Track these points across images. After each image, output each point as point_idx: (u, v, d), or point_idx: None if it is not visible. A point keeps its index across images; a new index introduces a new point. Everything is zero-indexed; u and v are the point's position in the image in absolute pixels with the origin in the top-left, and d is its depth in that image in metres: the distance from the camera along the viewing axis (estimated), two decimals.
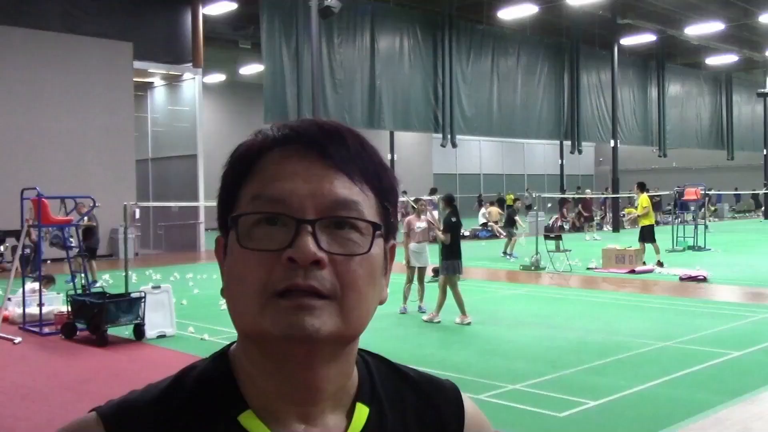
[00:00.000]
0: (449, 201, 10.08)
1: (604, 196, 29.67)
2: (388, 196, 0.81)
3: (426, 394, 0.88)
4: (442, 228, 9.94)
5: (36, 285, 10.15)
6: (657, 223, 17.23)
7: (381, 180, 0.80)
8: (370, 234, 0.76)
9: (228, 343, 0.84)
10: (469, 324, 9.48)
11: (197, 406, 0.77)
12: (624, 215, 28.90)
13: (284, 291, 0.72)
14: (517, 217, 19.35)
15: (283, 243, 0.73)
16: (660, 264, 15.48)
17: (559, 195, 31.97)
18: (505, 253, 18.41)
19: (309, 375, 0.76)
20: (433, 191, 25.89)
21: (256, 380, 0.78)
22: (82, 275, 10.91)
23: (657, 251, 15.78)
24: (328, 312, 0.73)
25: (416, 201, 11.18)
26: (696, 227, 20.09)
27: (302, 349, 0.73)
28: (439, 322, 9.62)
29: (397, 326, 9.58)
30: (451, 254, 9.68)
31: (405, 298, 10.52)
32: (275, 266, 0.73)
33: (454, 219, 9.80)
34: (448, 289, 9.64)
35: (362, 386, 0.83)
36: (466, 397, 0.92)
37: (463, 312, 9.57)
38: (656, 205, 30.02)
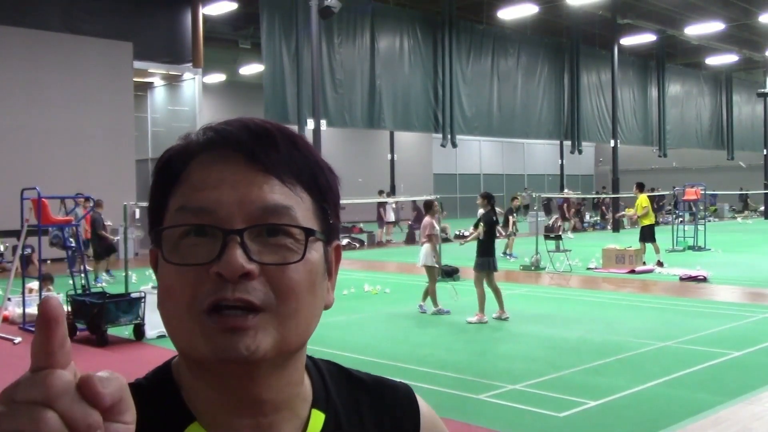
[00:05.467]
0: (489, 198, 10.15)
1: (579, 195, 29.97)
2: (326, 195, 0.76)
3: (380, 397, 0.87)
4: (482, 226, 9.98)
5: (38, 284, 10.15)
6: (657, 223, 17.24)
7: (317, 180, 0.76)
8: (303, 240, 0.71)
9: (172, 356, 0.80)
10: (506, 319, 9.68)
11: (140, 421, 0.71)
12: (624, 214, 28.92)
13: (212, 306, 0.68)
14: (511, 217, 19.30)
15: (210, 255, 0.69)
16: (660, 264, 15.48)
17: (554, 195, 31.98)
18: (504, 253, 18.42)
19: (251, 389, 0.72)
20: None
21: (200, 392, 0.74)
22: (82, 275, 10.91)
23: (657, 251, 15.80)
24: (263, 328, 0.69)
25: (431, 203, 11.00)
26: (696, 227, 20.09)
27: (240, 369, 0.70)
28: (486, 321, 9.62)
29: (396, 327, 9.58)
30: (489, 251, 9.79)
31: (435, 300, 10.39)
32: (203, 280, 0.69)
33: (495, 217, 10.03)
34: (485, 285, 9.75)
35: (317, 393, 0.80)
36: (420, 398, 0.90)
37: (501, 307, 9.76)
38: (659, 206, 30.24)
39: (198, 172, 0.73)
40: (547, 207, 30.35)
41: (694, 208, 22.15)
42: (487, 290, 9.77)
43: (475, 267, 9.84)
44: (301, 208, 0.72)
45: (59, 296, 10.34)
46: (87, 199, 12.42)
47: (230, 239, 0.68)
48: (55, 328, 0.52)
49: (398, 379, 0.91)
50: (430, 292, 10.32)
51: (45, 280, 10.64)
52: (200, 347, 0.69)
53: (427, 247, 10.27)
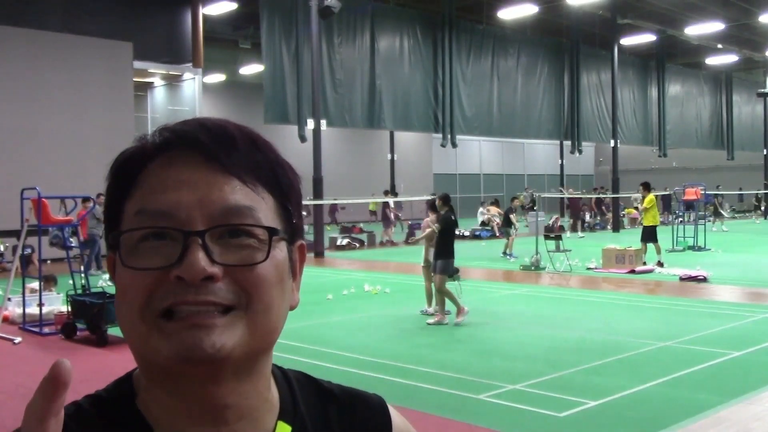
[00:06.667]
0: (447, 200, 10.06)
1: (588, 196, 30.14)
2: (288, 195, 0.74)
3: (351, 410, 0.84)
4: (436, 226, 9.89)
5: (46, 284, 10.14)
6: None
7: (278, 179, 0.73)
8: (267, 240, 0.69)
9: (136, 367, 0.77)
10: (446, 324, 9.40)
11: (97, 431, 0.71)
12: (624, 215, 28.94)
13: (170, 309, 0.66)
14: (512, 216, 19.31)
15: (170, 259, 0.66)
16: (660, 264, 15.51)
17: (556, 195, 32.01)
18: (504, 253, 18.43)
19: (215, 394, 0.69)
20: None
21: (159, 401, 0.71)
22: (82, 275, 10.90)
23: (658, 251, 15.82)
24: (230, 326, 0.66)
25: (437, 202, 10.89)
26: (696, 227, 20.10)
27: (203, 370, 0.67)
28: (447, 323, 9.53)
29: (395, 327, 9.58)
30: (450, 254, 9.64)
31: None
32: (162, 284, 0.66)
33: (453, 217, 9.81)
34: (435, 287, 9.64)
35: (284, 404, 0.77)
36: (393, 410, 0.88)
37: (441, 311, 9.51)
38: (667, 205, 30.33)
39: (156, 174, 0.71)
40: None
41: (707, 207, 22.15)
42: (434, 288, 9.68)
43: (436, 270, 9.56)
44: (263, 208, 0.70)
45: (59, 296, 10.35)
46: (86, 199, 12.44)
47: (191, 241, 0.66)
48: (61, 394, 0.53)
49: (372, 392, 0.88)
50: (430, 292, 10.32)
51: (48, 280, 10.65)
52: (161, 348, 0.66)
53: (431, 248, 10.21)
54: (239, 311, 0.67)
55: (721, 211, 28.74)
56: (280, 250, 0.71)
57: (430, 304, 10.26)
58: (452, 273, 9.66)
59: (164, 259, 0.66)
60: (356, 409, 0.84)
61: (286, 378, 0.81)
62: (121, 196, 0.72)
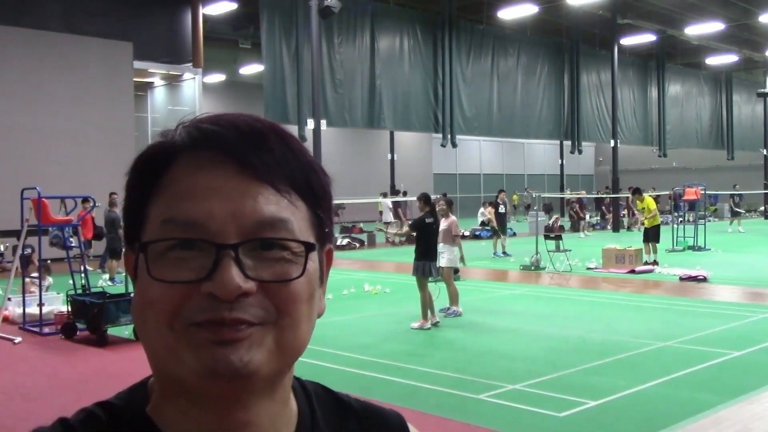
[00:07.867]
0: (427, 200, 9.87)
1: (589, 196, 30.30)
2: (320, 202, 0.71)
3: (369, 426, 0.82)
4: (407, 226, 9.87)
5: (41, 282, 10.15)
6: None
7: (311, 185, 0.70)
8: (302, 254, 0.67)
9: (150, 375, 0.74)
10: (428, 329, 9.27)
11: None
12: (624, 215, 28.95)
13: (204, 323, 0.64)
14: (491, 207, 19.43)
15: (200, 271, 0.63)
16: (655, 263, 15.62)
17: (558, 195, 32.03)
18: (495, 252, 18.67)
19: (237, 413, 0.67)
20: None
21: (176, 412, 0.69)
22: (82, 275, 10.90)
23: (655, 251, 15.91)
24: (258, 340, 0.64)
25: (451, 202, 10.81)
26: (696, 227, 20.10)
27: (229, 386, 0.65)
28: (429, 328, 9.36)
29: (395, 327, 9.57)
30: (422, 255, 9.47)
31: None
32: (192, 297, 0.63)
33: (429, 219, 9.61)
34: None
35: (302, 417, 0.75)
36: (412, 427, 0.86)
37: (424, 316, 9.36)
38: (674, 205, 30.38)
39: (183, 178, 0.66)
40: (548, 206, 30.53)
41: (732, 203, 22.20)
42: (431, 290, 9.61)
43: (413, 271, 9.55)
44: (297, 219, 0.67)
45: (59, 296, 10.35)
46: (86, 199, 12.44)
47: (224, 254, 0.63)
48: None
49: (389, 408, 0.87)
50: (453, 294, 10.27)
51: (43, 268, 10.65)
52: (187, 361, 0.64)
53: (453, 248, 10.10)
54: (267, 325, 0.66)
55: (738, 210, 28.63)
56: (313, 262, 0.69)
57: (454, 303, 10.29)
58: (426, 275, 9.47)
59: (194, 272, 0.64)
60: (374, 425, 0.82)
61: (305, 391, 0.79)
62: (144, 195, 0.68)
